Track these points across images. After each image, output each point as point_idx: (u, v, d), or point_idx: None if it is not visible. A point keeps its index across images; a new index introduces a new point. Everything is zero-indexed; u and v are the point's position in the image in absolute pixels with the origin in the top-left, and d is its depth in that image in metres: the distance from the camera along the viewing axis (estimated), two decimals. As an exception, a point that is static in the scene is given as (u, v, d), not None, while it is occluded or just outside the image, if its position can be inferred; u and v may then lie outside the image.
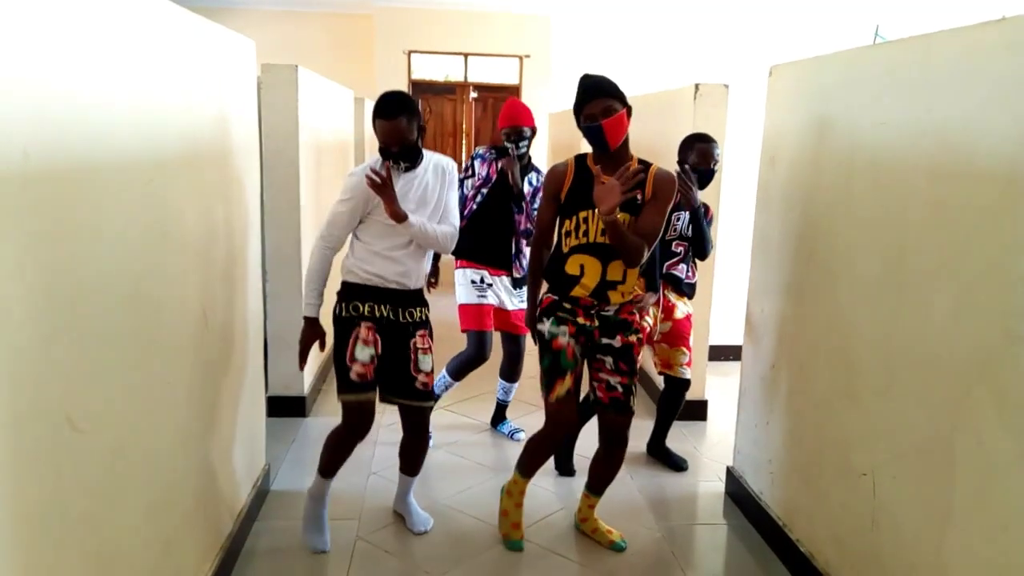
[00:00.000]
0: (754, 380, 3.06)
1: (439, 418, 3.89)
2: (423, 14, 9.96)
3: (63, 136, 1.41)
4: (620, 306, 2.64)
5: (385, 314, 2.64)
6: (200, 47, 2.25)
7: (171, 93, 1.99)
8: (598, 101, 2.45)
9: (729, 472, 3.25)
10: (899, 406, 2.07)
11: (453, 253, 3.04)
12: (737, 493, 3.15)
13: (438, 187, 2.69)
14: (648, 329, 3.28)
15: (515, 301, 3.58)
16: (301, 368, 2.73)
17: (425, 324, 2.72)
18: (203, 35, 2.28)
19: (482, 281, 3.53)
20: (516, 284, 3.57)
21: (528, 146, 3.52)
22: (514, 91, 10.32)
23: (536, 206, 3.37)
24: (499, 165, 3.49)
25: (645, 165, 2.55)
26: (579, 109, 2.51)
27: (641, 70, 9.73)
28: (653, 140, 4.55)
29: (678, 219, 3.30)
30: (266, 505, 3.02)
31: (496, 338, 3.61)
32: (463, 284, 3.53)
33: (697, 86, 3.72)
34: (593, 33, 10.27)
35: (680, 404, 3.55)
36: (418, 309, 2.70)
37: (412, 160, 2.60)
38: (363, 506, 3.05)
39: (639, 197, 2.51)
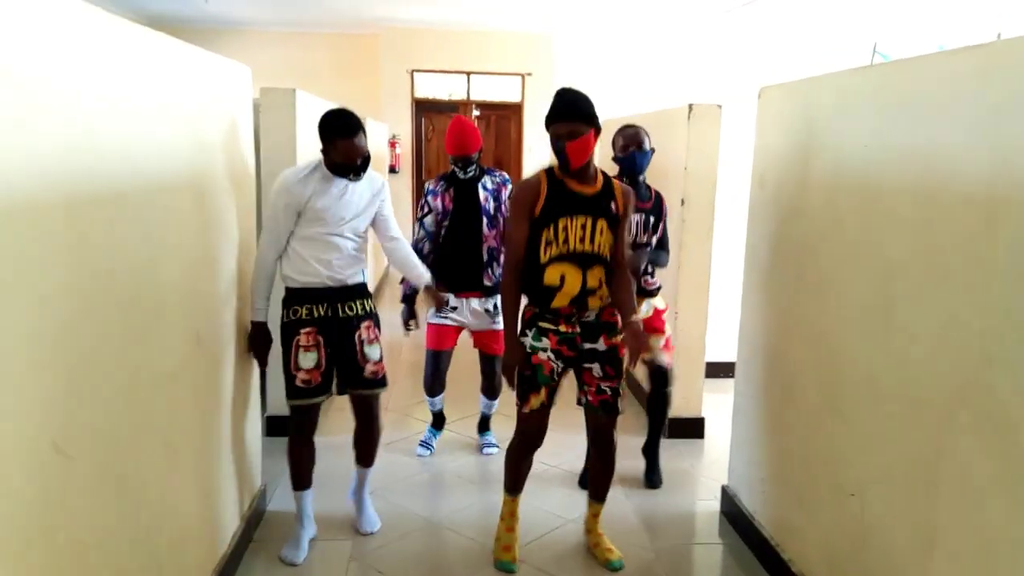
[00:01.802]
0: (747, 399, 3.07)
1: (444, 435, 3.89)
2: (426, 34, 10.07)
3: (48, 169, 1.44)
4: (600, 310, 2.69)
5: (324, 312, 2.78)
6: (192, 75, 2.30)
7: (162, 122, 2.03)
8: (565, 123, 2.53)
9: (724, 491, 3.25)
10: (886, 427, 2.08)
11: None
12: (732, 512, 3.15)
13: (374, 200, 2.88)
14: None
15: (485, 322, 3.58)
16: (263, 368, 2.94)
17: (370, 315, 2.88)
18: (196, 63, 2.33)
19: (447, 304, 3.52)
20: (489, 292, 3.54)
21: (476, 168, 3.50)
22: (516, 109, 10.40)
23: (496, 209, 3.47)
24: (451, 193, 3.49)
25: (607, 179, 2.69)
26: (549, 123, 2.59)
27: (641, 87, 9.79)
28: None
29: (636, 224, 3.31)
30: (262, 526, 3.04)
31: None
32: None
33: (691, 106, 3.76)
34: (594, 51, 10.35)
35: (667, 399, 3.53)
36: (359, 302, 2.86)
37: (364, 171, 2.76)
38: (357, 527, 3.05)
39: (613, 207, 2.65)
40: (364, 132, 2.71)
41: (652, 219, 3.33)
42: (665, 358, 3.48)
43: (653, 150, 3.33)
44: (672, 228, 4.02)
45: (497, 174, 3.57)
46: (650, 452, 3.59)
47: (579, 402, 2.79)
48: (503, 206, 3.48)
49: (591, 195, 2.62)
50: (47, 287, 1.43)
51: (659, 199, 3.39)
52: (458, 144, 3.43)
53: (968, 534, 1.75)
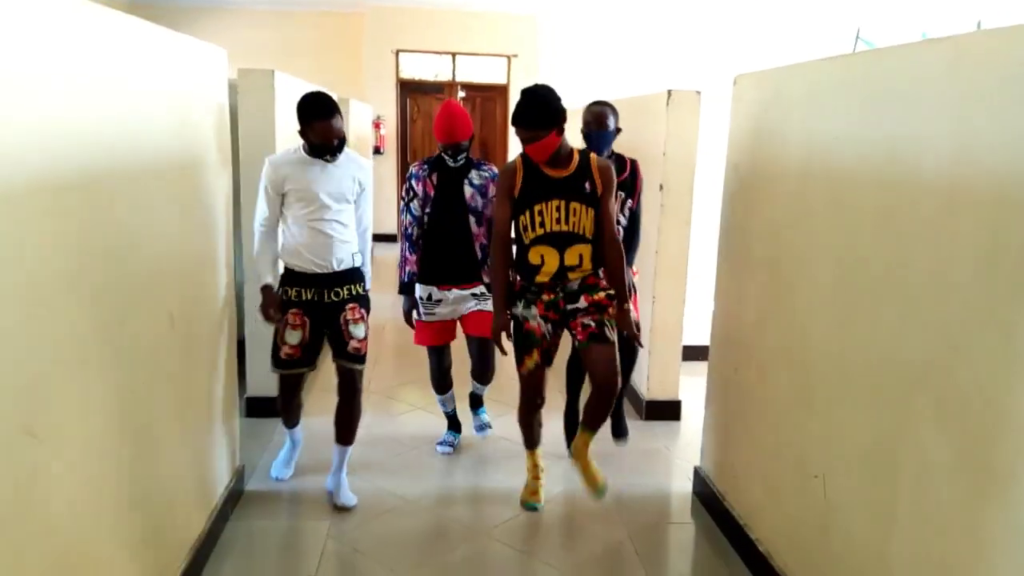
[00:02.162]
0: (719, 382, 3.12)
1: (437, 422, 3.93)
2: (411, 13, 9.98)
3: (22, 155, 1.45)
4: (582, 279, 2.90)
5: (310, 297, 2.95)
6: (165, 58, 2.29)
7: (134, 106, 2.03)
8: (523, 130, 2.74)
9: (696, 472, 3.31)
10: (849, 411, 2.13)
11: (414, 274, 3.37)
12: (704, 493, 3.21)
13: (353, 189, 2.96)
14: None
15: (472, 303, 3.38)
16: (273, 321, 2.94)
17: (356, 298, 3.00)
18: (169, 47, 2.32)
19: (429, 298, 3.37)
20: (484, 293, 3.36)
21: (466, 156, 3.29)
22: (502, 90, 10.36)
23: (484, 206, 3.27)
24: (434, 179, 3.28)
25: (584, 154, 2.88)
26: (513, 123, 2.78)
27: (625, 69, 9.78)
28: (628, 144, 4.60)
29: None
30: (240, 505, 3.07)
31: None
32: (416, 299, 3.43)
33: (670, 92, 3.77)
34: (578, 33, 10.31)
35: (632, 358, 3.52)
36: (345, 288, 2.97)
37: (340, 152, 2.87)
38: (335, 502, 3.09)
39: (588, 187, 2.82)
40: (340, 114, 2.82)
41: (623, 194, 3.31)
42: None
43: (619, 129, 3.38)
44: (650, 213, 4.06)
45: (486, 168, 3.33)
46: (615, 409, 3.54)
47: (574, 347, 3.14)
48: (491, 203, 3.25)
49: (563, 178, 2.82)
50: (15, 274, 1.44)
51: (634, 170, 3.38)
52: (448, 131, 3.18)
53: (924, 517, 1.81)
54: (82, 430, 1.72)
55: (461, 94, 10.37)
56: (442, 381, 3.61)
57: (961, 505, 1.69)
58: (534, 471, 3.17)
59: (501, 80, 10.40)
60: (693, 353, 4.72)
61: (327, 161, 2.85)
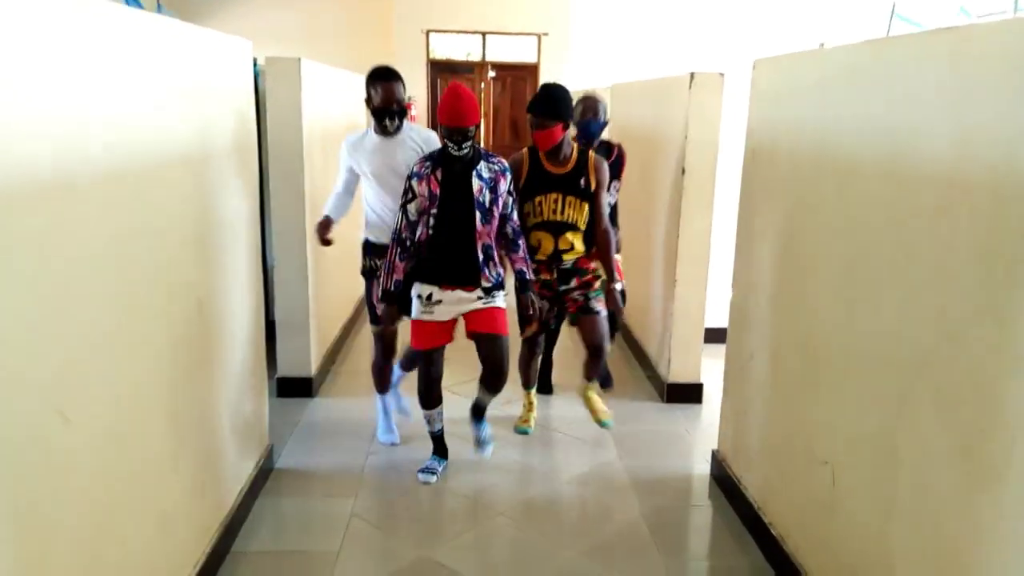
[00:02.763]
0: (735, 367, 3.14)
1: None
2: (441, -8, 9.99)
3: (48, 149, 1.54)
4: (574, 261, 3.43)
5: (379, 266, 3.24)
6: (190, 53, 2.38)
7: (162, 100, 2.11)
8: (536, 117, 3.26)
9: (714, 455, 3.35)
10: (854, 399, 2.15)
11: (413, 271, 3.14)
12: (721, 476, 3.25)
13: (416, 157, 3.18)
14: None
15: (478, 304, 3.07)
16: (324, 242, 3.44)
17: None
18: (193, 41, 2.40)
19: (429, 298, 3.06)
20: (488, 292, 3.07)
21: (471, 147, 2.98)
22: (532, 70, 10.34)
23: (492, 202, 3.02)
24: (439, 175, 2.99)
25: (583, 152, 3.37)
26: (528, 110, 3.32)
27: (658, 48, 9.67)
28: (652, 125, 4.60)
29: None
30: (269, 482, 3.19)
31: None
32: (414, 298, 3.12)
33: (692, 75, 3.76)
34: (612, 10, 10.21)
35: (615, 324, 4.06)
36: None
37: (402, 121, 3.23)
38: (360, 484, 3.20)
39: (583, 183, 3.32)
40: (403, 84, 3.25)
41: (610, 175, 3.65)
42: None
43: (607, 122, 3.90)
44: (671, 197, 4.07)
45: (496, 160, 3.05)
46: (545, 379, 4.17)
47: (570, 323, 3.73)
48: (500, 199, 3.03)
49: (562, 174, 3.33)
50: (47, 261, 1.54)
51: (620, 154, 3.88)
52: (454, 112, 2.89)
53: (923, 504, 1.83)
54: (111, 412, 1.83)
55: (491, 74, 10.38)
56: (431, 392, 3.19)
57: (957, 492, 1.71)
58: (529, 405, 3.78)
59: (532, 59, 10.38)
60: (717, 336, 4.73)
61: (387, 130, 3.19)
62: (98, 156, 1.75)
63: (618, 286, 3.50)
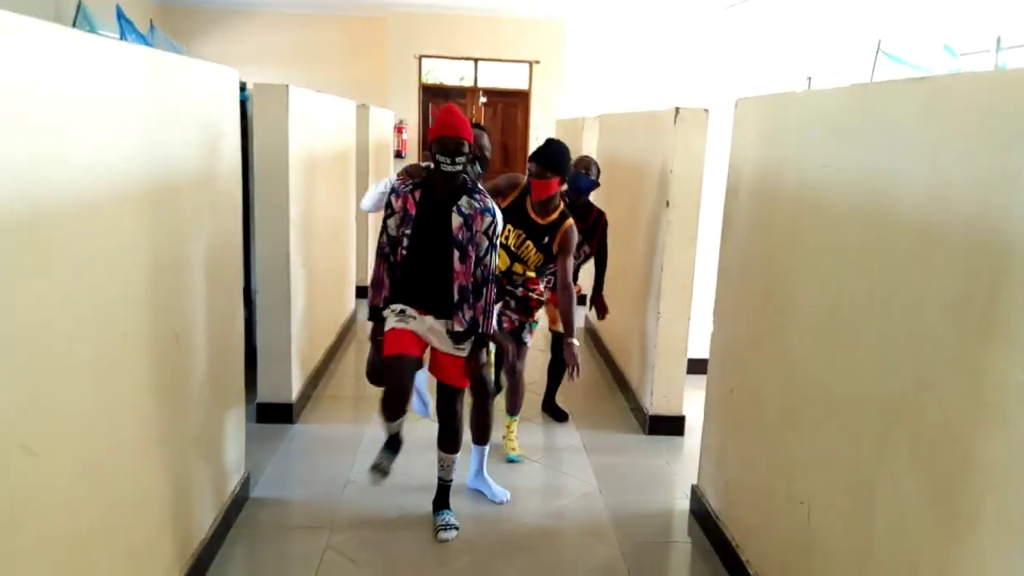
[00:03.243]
0: (715, 403, 3.14)
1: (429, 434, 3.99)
2: (434, 19, 10.09)
3: (20, 180, 1.53)
4: (525, 278, 3.61)
5: None
6: (174, 83, 2.38)
7: (142, 130, 2.11)
8: (537, 166, 3.45)
9: (693, 491, 3.33)
10: (832, 441, 2.15)
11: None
12: (700, 511, 3.23)
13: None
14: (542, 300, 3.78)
15: (447, 344, 2.95)
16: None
17: (479, 337, 3.15)
18: (181, 73, 2.41)
19: (403, 312, 2.91)
20: (456, 339, 2.94)
21: (464, 165, 2.82)
22: (524, 96, 10.41)
23: (468, 240, 2.87)
24: (417, 196, 2.89)
25: (563, 216, 3.51)
26: (530, 159, 3.53)
27: (649, 79, 9.77)
28: (638, 157, 4.63)
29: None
30: (244, 512, 3.15)
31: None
32: (387, 312, 2.97)
33: (677, 109, 3.80)
34: (605, 39, 10.33)
35: (560, 374, 4.24)
36: None
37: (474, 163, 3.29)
38: (336, 515, 3.17)
39: (546, 240, 3.50)
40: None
41: (581, 237, 3.91)
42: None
43: (598, 184, 4.17)
44: (655, 230, 4.09)
45: (479, 198, 2.88)
46: (550, 406, 4.39)
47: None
48: (475, 237, 2.87)
49: (536, 223, 3.51)
50: (14, 296, 1.53)
51: (597, 220, 4.13)
52: (447, 125, 2.79)
53: (897, 551, 1.83)
54: (80, 444, 1.80)
55: (483, 99, 10.45)
56: (394, 402, 2.86)
57: (932, 539, 1.70)
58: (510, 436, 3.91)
59: (523, 86, 10.45)
60: (701, 367, 4.73)
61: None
62: (73, 187, 1.74)
63: (575, 342, 3.40)
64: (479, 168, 3.33)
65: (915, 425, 1.77)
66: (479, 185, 3.01)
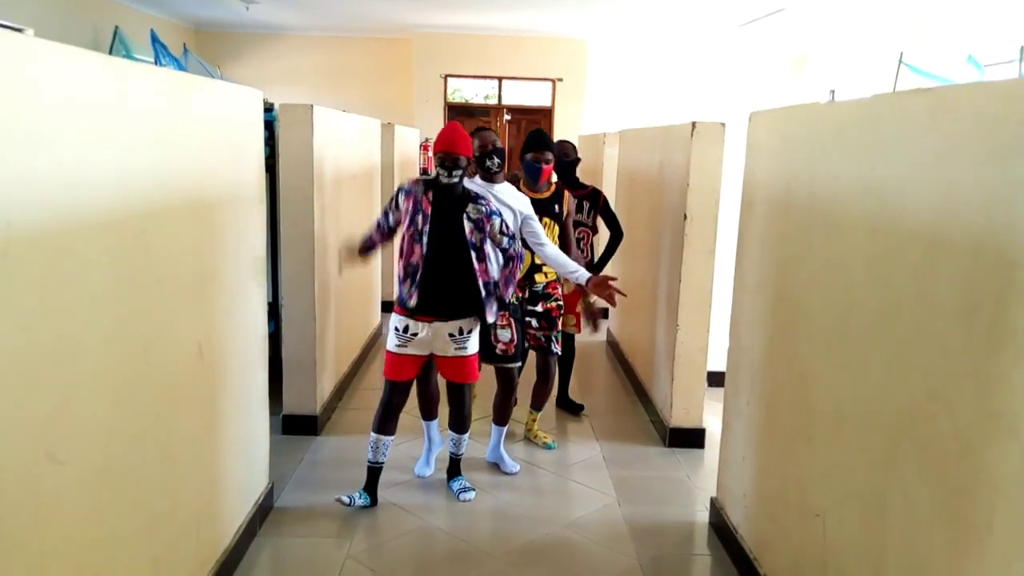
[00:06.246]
0: (733, 415, 3.14)
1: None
2: (460, 39, 10.23)
3: (51, 196, 1.61)
4: (546, 284, 3.83)
5: None
6: (202, 104, 2.47)
7: (168, 147, 2.20)
8: (544, 152, 3.83)
9: (712, 503, 3.32)
10: (845, 452, 2.15)
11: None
12: (718, 524, 3.22)
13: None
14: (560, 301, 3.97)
15: (452, 347, 3.27)
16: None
17: (506, 306, 3.48)
18: (206, 94, 2.50)
19: (405, 331, 3.23)
20: (462, 333, 3.28)
21: (461, 177, 3.18)
22: (547, 113, 10.49)
23: (482, 242, 3.20)
24: (430, 196, 3.18)
25: (559, 186, 3.95)
26: (527, 151, 3.85)
27: (673, 96, 9.80)
28: (656, 171, 4.66)
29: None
30: (268, 522, 3.21)
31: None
32: (391, 330, 3.31)
33: (694, 124, 3.82)
34: (628, 58, 10.38)
35: (571, 354, 4.55)
36: None
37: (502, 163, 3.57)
38: (357, 525, 3.21)
39: (557, 208, 3.88)
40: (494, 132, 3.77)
41: (587, 204, 4.53)
42: (573, 330, 4.48)
43: (578, 159, 4.64)
44: (674, 243, 4.11)
45: (483, 203, 3.21)
46: (564, 399, 4.67)
47: (529, 347, 3.97)
48: (489, 234, 3.22)
49: (541, 199, 3.81)
50: (41, 307, 1.60)
51: (594, 192, 4.56)
52: (448, 141, 3.12)
53: (910, 563, 1.82)
54: (104, 453, 1.87)
55: (507, 117, 10.54)
56: (388, 420, 3.33)
57: (944, 551, 1.70)
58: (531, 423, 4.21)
59: (546, 103, 10.53)
60: (721, 379, 4.72)
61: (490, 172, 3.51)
62: (100, 202, 1.82)
63: (572, 329, 4.18)
64: (497, 160, 3.49)
65: (925, 436, 1.77)
66: (495, 179, 3.50)
